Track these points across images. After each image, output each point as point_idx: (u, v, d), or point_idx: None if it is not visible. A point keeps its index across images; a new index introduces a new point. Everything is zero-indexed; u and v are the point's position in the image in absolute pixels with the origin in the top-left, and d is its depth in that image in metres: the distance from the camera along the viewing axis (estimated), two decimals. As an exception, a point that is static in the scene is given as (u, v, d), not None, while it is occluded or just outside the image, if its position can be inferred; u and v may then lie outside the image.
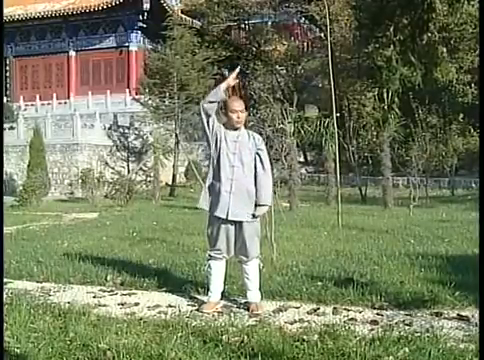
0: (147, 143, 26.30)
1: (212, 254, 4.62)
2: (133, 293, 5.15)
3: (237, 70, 4.71)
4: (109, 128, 26.85)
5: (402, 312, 4.39)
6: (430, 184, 19.56)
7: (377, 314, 4.35)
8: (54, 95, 31.72)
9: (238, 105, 4.57)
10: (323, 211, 13.79)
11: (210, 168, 4.65)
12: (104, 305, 4.75)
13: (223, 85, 4.56)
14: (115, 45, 32.31)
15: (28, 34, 33.69)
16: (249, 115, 4.93)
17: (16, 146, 24.83)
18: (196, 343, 3.63)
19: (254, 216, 4.57)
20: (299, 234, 8.89)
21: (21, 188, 18.45)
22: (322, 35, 32.52)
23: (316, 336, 3.72)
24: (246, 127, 4.80)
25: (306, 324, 4.08)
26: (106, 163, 25.16)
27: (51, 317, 4.27)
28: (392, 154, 16.56)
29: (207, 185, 4.64)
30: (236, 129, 4.60)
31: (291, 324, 4.12)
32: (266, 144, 7.79)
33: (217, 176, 4.54)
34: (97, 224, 11.53)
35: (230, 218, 4.48)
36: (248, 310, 4.50)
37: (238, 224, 4.53)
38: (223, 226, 4.53)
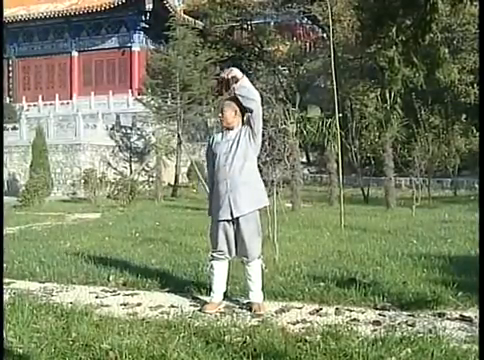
0: (149, 143, 26.34)
1: (215, 255, 4.63)
2: (135, 293, 5.15)
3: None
4: (111, 128, 26.85)
5: (405, 313, 4.39)
6: (433, 185, 19.50)
7: (379, 315, 4.34)
8: (57, 95, 31.76)
9: (226, 109, 4.60)
10: (325, 211, 13.78)
11: (209, 176, 4.80)
12: (106, 305, 4.76)
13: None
14: (118, 45, 32.36)
15: (31, 34, 33.75)
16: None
17: (19, 146, 24.85)
18: (198, 343, 3.64)
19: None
20: (301, 234, 8.89)
21: (24, 188, 18.43)
22: (325, 35, 32.51)
23: (318, 336, 3.72)
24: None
25: (308, 325, 4.08)
26: (108, 163, 25.18)
27: (53, 317, 4.28)
28: (394, 154, 16.52)
29: (210, 193, 4.78)
30: (230, 129, 4.63)
31: (293, 324, 4.12)
32: (269, 144, 7.84)
33: (216, 179, 4.62)
34: (99, 224, 11.53)
35: (235, 216, 4.52)
36: (250, 310, 4.50)
37: (235, 223, 4.55)
38: (222, 226, 4.57)
